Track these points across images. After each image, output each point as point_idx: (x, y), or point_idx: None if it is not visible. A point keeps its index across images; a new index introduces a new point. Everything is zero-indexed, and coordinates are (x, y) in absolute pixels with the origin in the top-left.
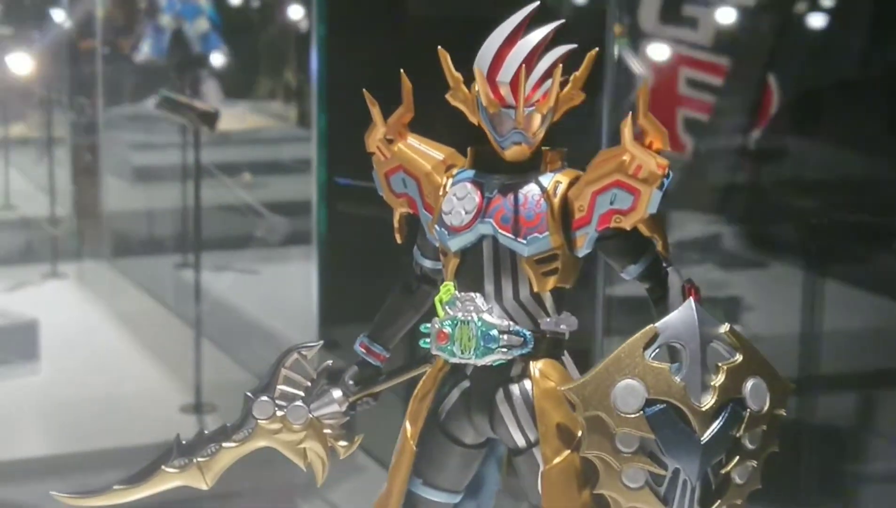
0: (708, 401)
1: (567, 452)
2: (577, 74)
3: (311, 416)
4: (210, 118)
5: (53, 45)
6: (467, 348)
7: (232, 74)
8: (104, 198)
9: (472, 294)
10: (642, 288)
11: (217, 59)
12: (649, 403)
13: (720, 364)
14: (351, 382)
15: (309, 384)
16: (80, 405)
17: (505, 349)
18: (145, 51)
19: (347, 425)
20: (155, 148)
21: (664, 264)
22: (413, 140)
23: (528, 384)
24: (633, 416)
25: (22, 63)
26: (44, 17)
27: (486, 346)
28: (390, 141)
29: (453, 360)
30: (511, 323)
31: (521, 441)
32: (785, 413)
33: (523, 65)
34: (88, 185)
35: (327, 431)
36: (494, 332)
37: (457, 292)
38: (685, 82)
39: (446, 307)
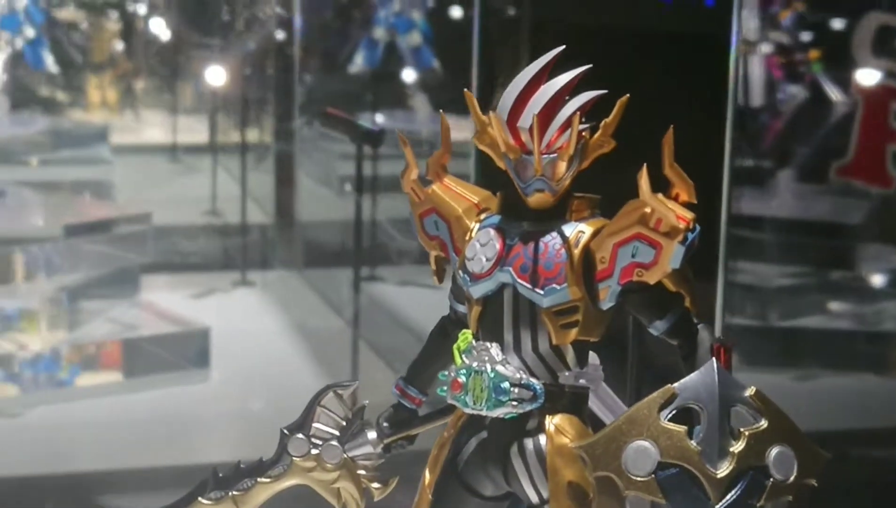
0: (725, 468)
1: None
2: (608, 120)
3: (345, 456)
4: (373, 137)
5: (260, 54)
6: (479, 398)
7: (444, 86)
8: (299, 207)
9: (488, 344)
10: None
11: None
12: (662, 466)
13: (742, 430)
14: (385, 424)
15: (344, 423)
16: (242, 415)
17: (515, 403)
18: (358, 62)
19: (384, 466)
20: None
21: (694, 321)
22: (450, 181)
23: (542, 439)
24: (643, 479)
25: (224, 73)
26: (250, 28)
27: (497, 398)
28: (427, 182)
29: (467, 410)
30: (524, 376)
31: (534, 498)
32: (815, 483)
33: (543, 110)
34: (287, 193)
35: (361, 472)
36: (506, 384)
37: (473, 342)
38: None
39: (463, 356)
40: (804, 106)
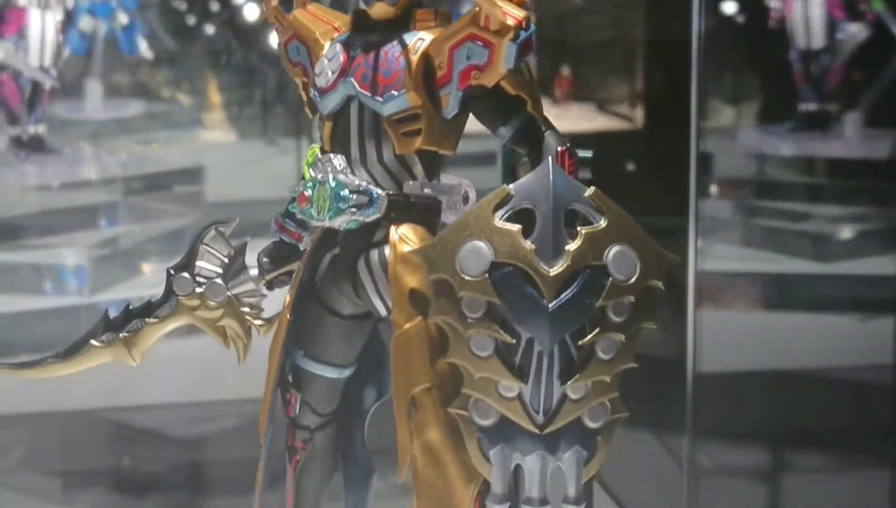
0: (559, 266)
1: (419, 319)
2: None
3: (228, 294)
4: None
5: None
6: (322, 209)
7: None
8: None
9: (332, 155)
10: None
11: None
12: (496, 267)
13: (580, 229)
14: (266, 260)
15: (227, 261)
16: None
17: (354, 210)
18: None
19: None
20: None
21: (540, 127)
22: (314, 8)
23: (387, 249)
24: (477, 279)
25: None
26: None
27: (338, 206)
28: (287, 10)
29: (313, 222)
30: (364, 183)
31: (381, 310)
32: (662, 287)
33: None
34: None
35: (245, 309)
36: (345, 192)
37: (319, 155)
38: None
39: (310, 170)
40: (866, 45)
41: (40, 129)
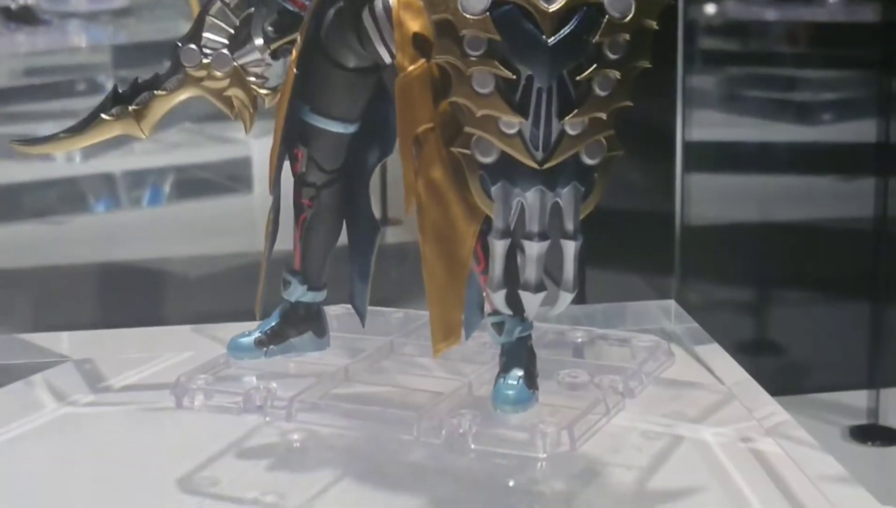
0: (558, 3)
1: (422, 61)
2: None
3: (235, 64)
4: None
5: None
6: None
7: None
8: None
9: None
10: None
11: None
12: (497, 4)
13: None
14: (271, 29)
15: (233, 31)
16: None
17: None
18: None
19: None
20: None
21: None
22: None
23: None
24: (478, 17)
25: None
26: None
27: None
28: None
29: None
30: None
31: (386, 57)
32: (656, 26)
33: None
34: None
35: (251, 79)
36: None
37: None
38: None
39: None
40: None
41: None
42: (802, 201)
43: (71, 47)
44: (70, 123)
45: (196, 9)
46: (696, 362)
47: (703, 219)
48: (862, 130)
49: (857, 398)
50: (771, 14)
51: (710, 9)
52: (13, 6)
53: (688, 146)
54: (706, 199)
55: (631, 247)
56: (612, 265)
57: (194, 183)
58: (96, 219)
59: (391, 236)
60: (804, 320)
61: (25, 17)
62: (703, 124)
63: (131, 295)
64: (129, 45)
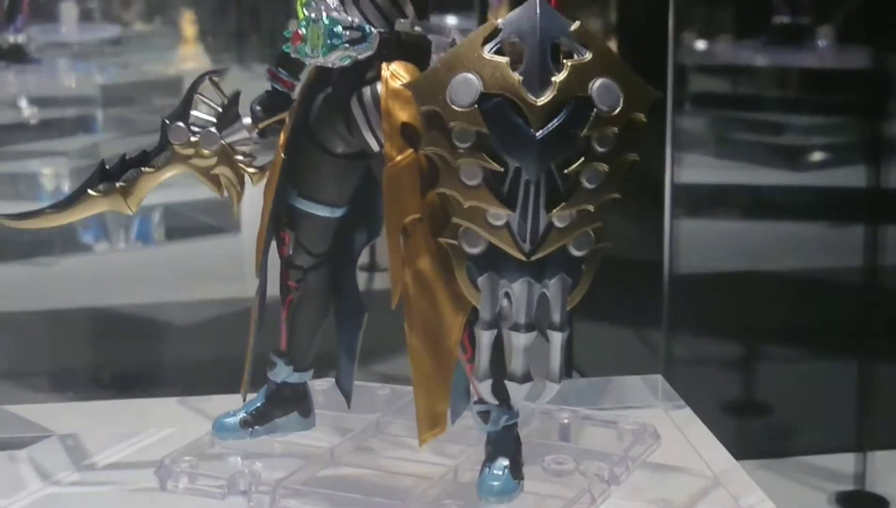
0: (546, 96)
1: (410, 151)
2: None
3: (222, 142)
4: None
5: None
6: (316, 46)
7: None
8: None
9: None
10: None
11: None
12: (485, 97)
13: (565, 62)
14: (258, 108)
15: (221, 110)
16: None
17: (348, 46)
18: None
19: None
20: None
21: None
22: None
23: (379, 86)
24: (467, 109)
25: None
26: None
27: (331, 43)
28: None
29: (308, 60)
30: (357, 20)
31: (374, 145)
32: (644, 119)
33: None
34: None
35: (239, 157)
36: (339, 28)
37: None
38: None
39: (304, 9)
40: None
41: (20, 38)
42: (791, 249)
43: (61, 85)
44: (60, 161)
45: None
46: (682, 442)
47: (691, 267)
48: (851, 176)
49: (844, 462)
50: (761, 59)
51: (700, 52)
52: (3, 45)
53: (677, 189)
54: (694, 245)
55: (619, 297)
56: (599, 316)
57: (184, 221)
58: (83, 260)
59: (379, 282)
60: (791, 377)
61: (15, 56)
62: (692, 166)
63: (117, 340)
64: (120, 84)
